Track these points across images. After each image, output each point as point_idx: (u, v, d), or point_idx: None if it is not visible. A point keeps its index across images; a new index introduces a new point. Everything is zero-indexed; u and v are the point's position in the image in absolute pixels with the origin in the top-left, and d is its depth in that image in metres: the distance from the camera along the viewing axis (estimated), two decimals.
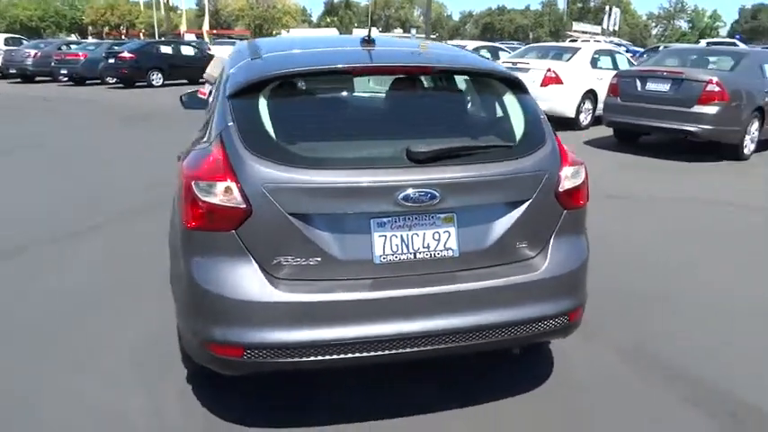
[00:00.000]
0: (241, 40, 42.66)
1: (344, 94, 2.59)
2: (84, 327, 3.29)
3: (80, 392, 2.70)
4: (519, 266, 2.40)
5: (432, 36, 73.75)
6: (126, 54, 19.07)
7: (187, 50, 21.40)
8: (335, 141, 2.38)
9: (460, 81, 2.83)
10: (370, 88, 2.83)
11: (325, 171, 2.16)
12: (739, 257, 4.60)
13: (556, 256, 2.43)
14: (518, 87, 2.63)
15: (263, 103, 2.32)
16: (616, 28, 50.33)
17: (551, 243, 2.44)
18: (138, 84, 19.28)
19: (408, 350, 2.24)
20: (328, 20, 66.89)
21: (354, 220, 2.20)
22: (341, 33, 59.91)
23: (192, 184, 2.15)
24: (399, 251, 2.22)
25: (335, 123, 2.48)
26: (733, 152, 8.35)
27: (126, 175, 6.98)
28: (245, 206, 2.09)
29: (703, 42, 34.92)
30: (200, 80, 19.20)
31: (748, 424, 2.61)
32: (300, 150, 2.23)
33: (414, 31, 62.66)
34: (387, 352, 2.22)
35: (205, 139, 2.45)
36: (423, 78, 2.79)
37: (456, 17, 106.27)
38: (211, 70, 3.60)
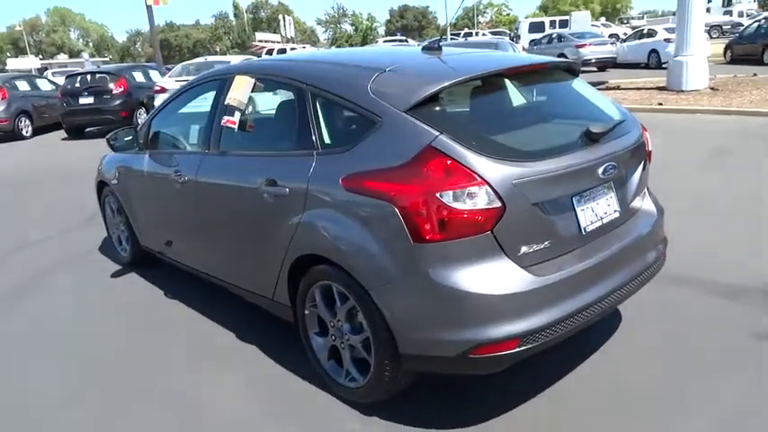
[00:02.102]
0: None
1: (494, 94, 2.78)
2: None
3: None
4: (641, 215, 2.86)
5: (107, 59, 67.19)
6: None
7: None
8: (529, 132, 2.66)
9: (556, 74, 3.09)
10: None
11: (552, 159, 2.36)
12: None
13: (655, 204, 2.99)
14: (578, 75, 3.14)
15: (452, 110, 2.46)
16: (292, 35, 53.63)
17: (647, 194, 2.98)
18: None
19: (610, 304, 2.54)
20: None
21: (566, 200, 2.46)
22: None
23: (437, 195, 2.16)
24: (594, 220, 2.54)
25: (517, 119, 2.79)
26: None
27: None
28: (499, 205, 2.20)
29: (381, 41, 39.86)
30: None
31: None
32: (520, 145, 2.42)
33: (85, 55, 56.19)
34: (598, 310, 2.47)
35: (368, 158, 2.38)
36: (536, 75, 3.02)
37: (122, 37, 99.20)
38: (238, 95, 3.09)
